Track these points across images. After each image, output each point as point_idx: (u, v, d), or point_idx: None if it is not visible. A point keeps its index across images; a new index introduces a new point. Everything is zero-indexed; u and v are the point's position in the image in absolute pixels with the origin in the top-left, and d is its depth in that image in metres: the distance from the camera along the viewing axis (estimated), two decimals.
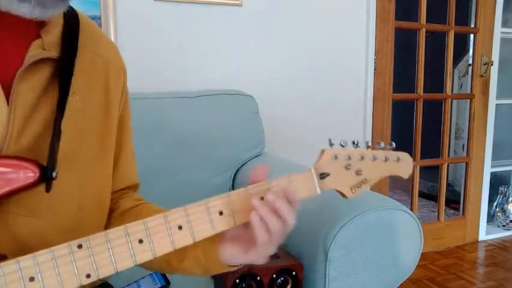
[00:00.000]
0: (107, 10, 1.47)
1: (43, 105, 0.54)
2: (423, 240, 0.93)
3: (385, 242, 0.89)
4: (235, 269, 0.62)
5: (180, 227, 0.53)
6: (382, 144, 0.65)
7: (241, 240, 0.58)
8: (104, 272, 0.48)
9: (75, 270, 0.47)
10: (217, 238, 0.59)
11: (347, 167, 0.62)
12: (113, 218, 0.68)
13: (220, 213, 0.55)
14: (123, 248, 0.50)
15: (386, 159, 0.65)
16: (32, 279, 0.45)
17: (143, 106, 1.31)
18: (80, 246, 0.48)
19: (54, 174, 0.51)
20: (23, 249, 0.52)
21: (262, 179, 0.59)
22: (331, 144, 0.62)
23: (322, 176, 0.61)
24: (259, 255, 0.57)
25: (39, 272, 0.45)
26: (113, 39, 1.48)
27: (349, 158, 0.62)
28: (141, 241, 0.51)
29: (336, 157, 0.62)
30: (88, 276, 0.48)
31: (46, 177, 0.50)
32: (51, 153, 0.52)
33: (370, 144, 0.65)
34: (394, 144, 0.65)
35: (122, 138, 0.69)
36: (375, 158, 0.64)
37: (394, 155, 0.66)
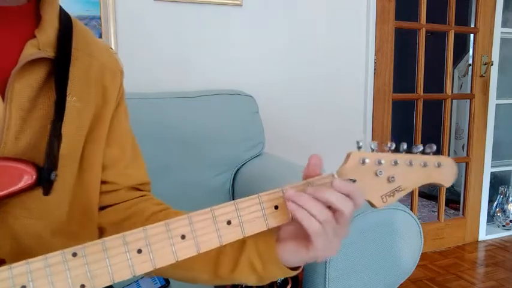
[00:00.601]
0: (107, 10, 1.47)
1: (40, 106, 0.54)
2: (423, 240, 0.93)
3: (385, 242, 0.89)
4: (295, 273, 0.57)
5: (183, 237, 0.48)
6: (421, 147, 0.57)
7: (300, 237, 0.55)
8: (100, 282, 0.46)
9: (69, 280, 0.44)
10: (271, 240, 0.56)
11: (377, 173, 0.55)
12: (138, 222, 0.65)
13: (228, 222, 0.50)
14: (120, 258, 0.46)
15: (425, 165, 0.57)
16: (24, 287, 0.43)
17: (143, 106, 1.30)
18: (74, 255, 0.45)
19: (52, 177, 0.50)
20: (21, 251, 0.52)
21: (318, 171, 0.54)
22: (359, 147, 0.55)
23: None
24: (318, 250, 0.52)
25: (31, 280, 0.43)
26: (112, 39, 1.48)
27: (380, 163, 0.55)
28: (139, 251, 0.47)
29: (363, 161, 0.55)
30: (82, 286, 0.45)
31: (43, 180, 0.50)
32: (49, 156, 0.51)
33: (405, 147, 0.57)
34: (434, 148, 0.57)
35: (122, 135, 0.68)
36: (411, 163, 0.56)
37: (434, 159, 0.58)
